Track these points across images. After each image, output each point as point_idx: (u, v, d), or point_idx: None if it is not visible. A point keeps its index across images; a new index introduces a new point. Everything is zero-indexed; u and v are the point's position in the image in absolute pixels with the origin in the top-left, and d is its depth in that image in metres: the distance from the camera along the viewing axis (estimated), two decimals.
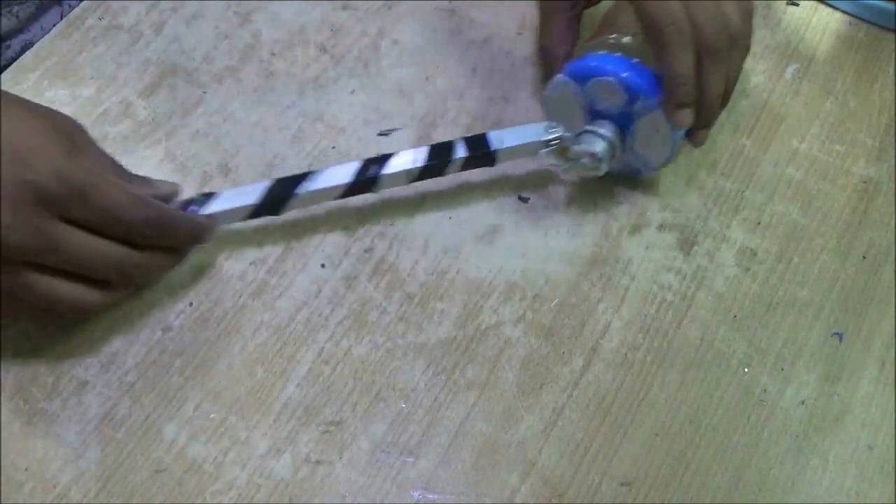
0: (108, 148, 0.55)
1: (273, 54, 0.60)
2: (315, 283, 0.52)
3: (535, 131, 0.52)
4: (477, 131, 0.57)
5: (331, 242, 0.53)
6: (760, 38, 0.64)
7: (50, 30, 0.59)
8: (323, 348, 0.50)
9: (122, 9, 0.61)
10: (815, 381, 0.51)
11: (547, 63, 0.56)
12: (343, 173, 0.50)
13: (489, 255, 0.53)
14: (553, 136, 0.52)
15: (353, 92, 0.59)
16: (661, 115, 0.49)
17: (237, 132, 0.57)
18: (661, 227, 0.55)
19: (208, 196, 0.49)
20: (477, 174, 0.56)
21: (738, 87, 0.61)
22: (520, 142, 0.52)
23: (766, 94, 0.61)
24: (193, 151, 0.56)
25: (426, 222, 0.54)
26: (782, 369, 0.51)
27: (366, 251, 0.53)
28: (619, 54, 0.49)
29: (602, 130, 0.50)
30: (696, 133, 0.52)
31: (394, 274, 0.52)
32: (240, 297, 0.51)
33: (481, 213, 0.55)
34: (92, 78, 0.58)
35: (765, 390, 0.50)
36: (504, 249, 0.54)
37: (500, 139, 0.52)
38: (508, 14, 0.63)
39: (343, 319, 0.51)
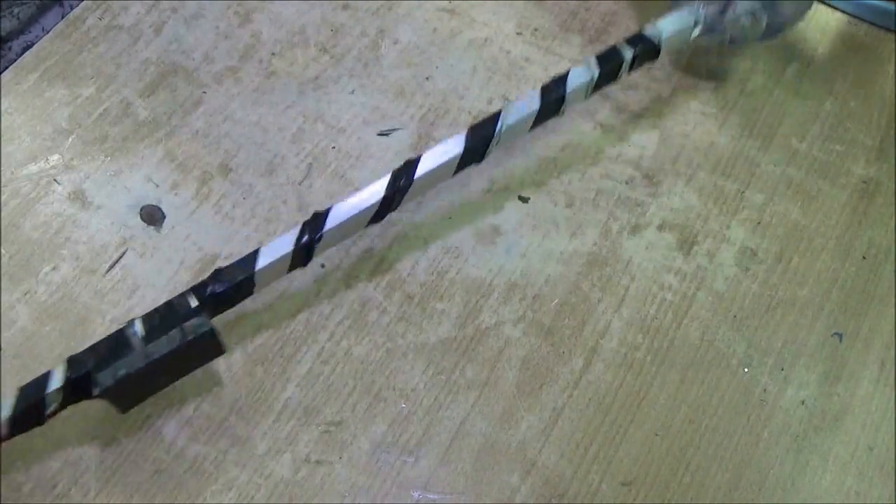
0: (108, 148, 0.56)
1: (273, 54, 0.60)
2: (315, 283, 0.52)
3: (683, 16, 0.52)
4: None
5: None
6: None
7: (51, 30, 0.60)
8: (323, 348, 0.50)
9: (122, 9, 0.61)
10: (815, 381, 0.51)
11: None
12: (532, 102, 0.49)
13: (489, 255, 0.53)
14: (701, 12, 0.52)
15: (353, 92, 0.59)
16: None
17: (237, 132, 0.57)
18: (661, 227, 0.55)
19: (412, 162, 0.47)
20: (476, 174, 0.56)
21: (738, 86, 0.61)
22: (676, 27, 0.52)
23: (766, 94, 0.61)
24: (193, 151, 0.56)
25: (426, 222, 0.54)
26: (782, 369, 0.51)
27: (366, 251, 0.53)
28: None
29: None
30: None
31: (394, 274, 0.52)
32: None
33: (481, 213, 0.55)
34: (92, 78, 0.58)
35: (765, 390, 0.50)
36: (504, 249, 0.54)
37: (658, 31, 0.51)
38: (508, 14, 0.63)
39: (343, 319, 0.51)
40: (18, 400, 0.41)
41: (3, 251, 0.51)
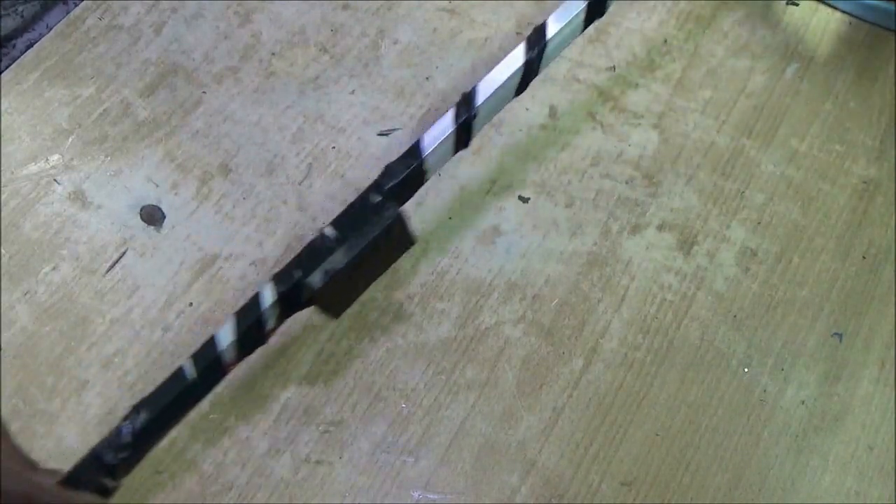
0: (108, 148, 0.56)
1: (273, 54, 0.60)
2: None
3: None
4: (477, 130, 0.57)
5: None
6: (760, 37, 0.64)
7: (51, 30, 0.60)
8: (323, 348, 0.50)
9: (122, 9, 0.61)
10: (815, 381, 0.51)
11: None
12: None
13: (489, 255, 0.53)
14: None
15: (353, 92, 0.59)
16: None
17: (237, 132, 0.57)
18: (661, 227, 0.55)
19: (542, 26, 0.47)
20: (476, 174, 0.56)
21: (738, 86, 0.61)
22: None
23: (766, 94, 0.61)
24: (193, 151, 0.56)
25: (426, 222, 0.54)
26: (782, 369, 0.51)
27: None
28: None
29: None
30: None
31: (394, 274, 0.52)
32: (240, 297, 0.51)
33: (481, 213, 0.55)
34: (92, 78, 0.58)
35: (765, 390, 0.50)
36: (504, 249, 0.54)
37: None
38: (508, 14, 0.63)
39: (343, 319, 0.51)
40: (238, 324, 0.41)
41: (3, 251, 0.51)
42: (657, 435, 0.48)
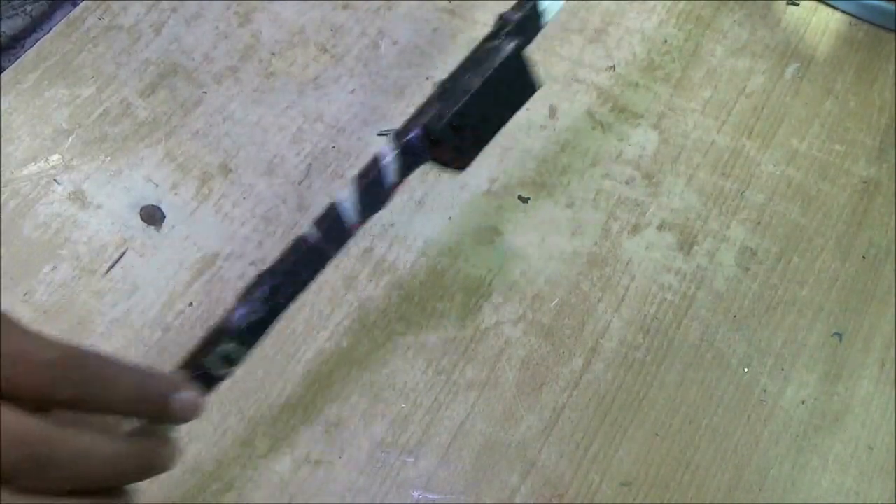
0: (108, 148, 0.56)
1: (273, 54, 0.60)
2: (315, 283, 0.52)
3: None
4: None
5: None
6: (760, 38, 0.64)
7: (51, 30, 0.60)
8: (323, 348, 0.50)
9: (122, 9, 0.61)
10: (815, 381, 0.51)
11: None
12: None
13: (489, 255, 0.53)
14: None
15: (353, 92, 0.59)
16: None
17: (237, 132, 0.57)
18: (661, 227, 0.55)
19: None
20: (476, 174, 0.56)
21: (738, 86, 0.61)
22: None
23: (766, 94, 0.61)
24: (193, 151, 0.56)
25: (426, 222, 0.54)
26: (782, 369, 0.51)
27: (366, 251, 0.53)
28: None
29: None
30: None
31: (394, 274, 0.52)
32: None
33: (481, 213, 0.55)
34: (92, 78, 0.58)
35: (765, 390, 0.50)
36: (504, 249, 0.54)
37: None
38: None
39: (343, 319, 0.51)
40: (359, 181, 0.39)
41: (3, 251, 0.51)
42: (657, 435, 0.48)
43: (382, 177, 0.40)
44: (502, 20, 0.43)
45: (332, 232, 0.39)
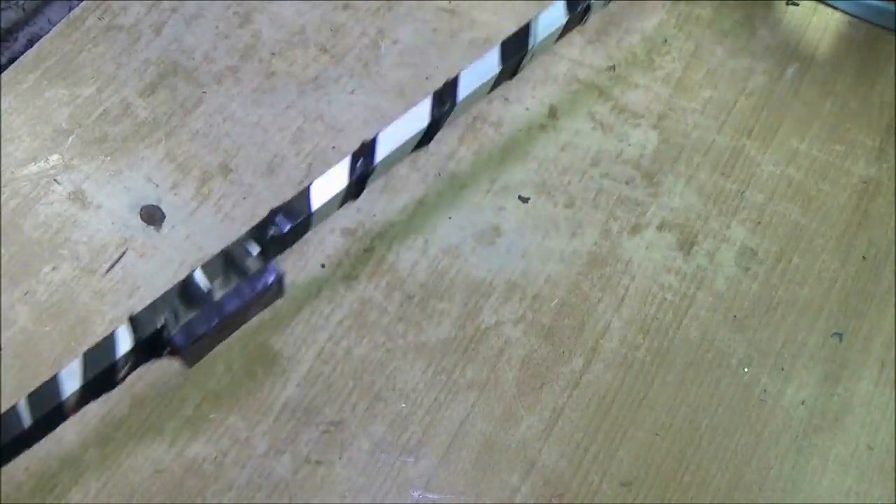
0: (108, 148, 0.56)
1: (273, 54, 0.60)
2: (315, 283, 0.52)
3: None
4: (477, 130, 0.57)
5: (331, 242, 0.53)
6: (760, 38, 0.64)
7: (57, 22, 0.59)
8: (323, 348, 0.50)
9: (122, 9, 0.61)
10: (815, 381, 0.51)
11: None
12: (556, 14, 0.48)
13: (489, 255, 0.53)
14: None
15: (352, 92, 0.59)
16: None
17: (237, 132, 0.57)
18: (661, 227, 0.55)
19: (454, 80, 0.46)
20: (476, 174, 0.56)
21: (738, 86, 0.61)
22: None
23: (766, 94, 0.61)
24: (193, 151, 0.56)
25: (426, 222, 0.54)
26: (782, 369, 0.51)
27: (366, 251, 0.53)
28: None
29: None
30: None
31: (394, 274, 0.52)
32: None
33: (481, 213, 0.55)
34: (92, 78, 0.58)
35: (765, 390, 0.50)
36: (504, 249, 0.54)
37: None
38: (508, 14, 0.63)
39: (343, 319, 0.51)
40: (87, 368, 0.38)
41: (3, 251, 0.51)
42: (657, 435, 0.48)
43: (114, 371, 0.39)
44: (272, 217, 0.42)
45: (44, 415, 0.37)
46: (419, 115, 0.45)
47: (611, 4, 0.56)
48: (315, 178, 0.43)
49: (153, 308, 0.39)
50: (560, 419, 0.48)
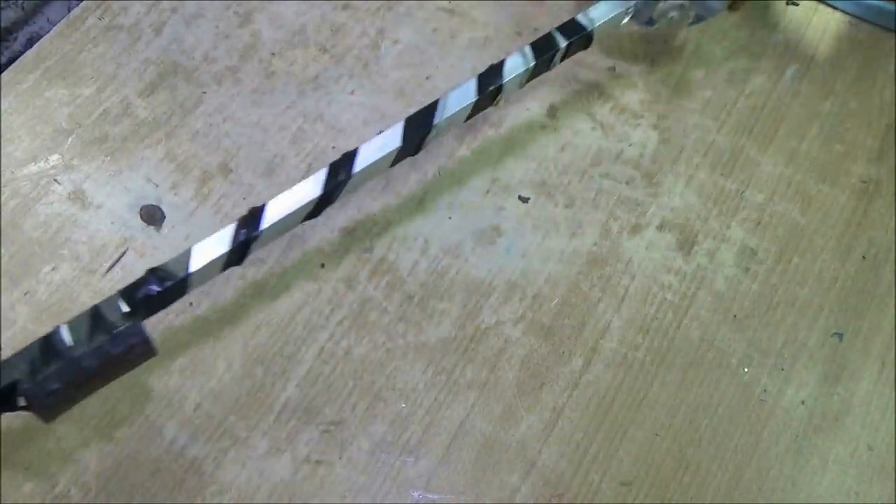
0: (108, 148, 0.56)
1: (273, 54, 0.60)
2: (315, 283, 0.52)
3: (616, 4, 0.53)
4: (477, 130, 0.57)
5: (331, 242, 0.53)
6: (760, 38, 0.64)
7: (56, 22, 0.60)
8: (323, 348, 0.50)
9: (122, 9, 0.61)
10: (815, 381, 0.51)
11: None
12: (467, 94, 0.49)
13: (489, 255, 0.53)
14: (633, 1, 0.53)
15: (352, 92, 0.59)
16: None
17: (237, 132, 0.57)
18: (661, 227, 0.55)
19: (351, 154, 0.47)
20: (476, 174, 0.56)
21: (738, 86, 0.61)
22: (607, 16, 0.53)
23: (766, 94, 0.61)
24: (193, 151, 0.56)
25: (426, 222, 0.54)
26: (782, 369, 0.51)
27: (366, 251, 0.53)
28: None
29: None
30: None
31: (394, 274, 0.52)
32: (240, 297, 0.51)
33: (481, 213, 0.55)
34: (92, 78, 0.58)
35: (765, 390, 0.50)
36: (504, 249, 0.54)
37: (590, 19, 0.52)
38: (508, 14, 0.63)
39: (343, 319, 0.51)
40: None
41: (3, 251, 0.51)
42: (657, 435, 0.48)
43: None
44: (149, 276, 0.42)
45: None
46: (312, 187, 0.45)
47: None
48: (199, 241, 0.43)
49: (10, 361, 0.39)
50: (560, 419, 0.48)
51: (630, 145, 0.58)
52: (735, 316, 0.52)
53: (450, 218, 0.55)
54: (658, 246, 0.54)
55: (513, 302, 0.52)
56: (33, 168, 0.54)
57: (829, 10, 0.65)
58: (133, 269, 0.51)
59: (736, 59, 0.62)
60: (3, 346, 0.48)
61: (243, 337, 0.49)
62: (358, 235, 0.53)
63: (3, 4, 0.59)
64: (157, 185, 0.54)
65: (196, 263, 0.43)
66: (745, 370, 0.51)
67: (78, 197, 0.54)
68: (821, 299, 0.53)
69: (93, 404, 0.47)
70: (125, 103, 0.57)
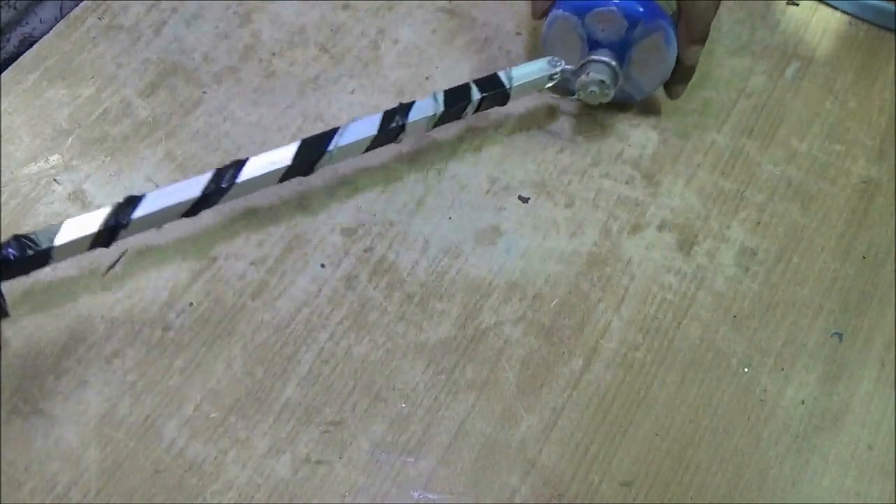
0: (108, 148, 0.56)
1: (273, 54, 0.60)
2: (315, 283, 0.52)
3: (540, 66, 0.54)
4: (477, 131, 0.57)
5: (331, 242, 0.53)
6: (760, 38, 0.64)
7: (49, 22, 0.60)
8: (323, 348, 0.50)
9: (122, 9, 0.61)
10: (815, 381, 0.51)
11: (542, 6, 0.56)
12: (369, 126, 0.50)
13: (489, 255, 0.53)
14: (557, 69, 0.54)
15: (352, 92, 0.59)
16: (659, 37, 0.52)
17: (237, 132, 0.57)
18: (661, 227, 0.55)
19: (239, 163, 0.48)
20: (476, 174, 0.56)
21: (738, 86, 0.61)
22: (528, 78, 0.53)
23: (766, 94, 0.61)
24: (193, 151, 0.56)
25: (426, 222, 0.54)
26: (782, 369, 0.51)
27: (366, 251, 0.53)
28: None
29: (605, 58, 0.53)
30: (675, 86, 0.56)
31: (394, 274, 0.52)
32: (240, 297, 0.51)
33: (481, 213, 0.55)
34: (92, 78, 0.58)
35: (765, 390, 0.50)
36: (504, 249, 0.54)
37: (509, 77, 0.53)
38: (508, 14, 0.63)
39: (343, 319, 0.51)
40: None
41: None
42: (657, 435, 0.48)
43: None
44: (14, 240, 0.43)
45: None
46: (193, 187, 0.47)
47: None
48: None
49: None
50: (560, 419, 0.48)
51: (630, 145, 0.58)
52: (735, 316, 0.52)
53: (450, 218, 0.55)
54: (658, 246, 0.54)
55: (513, 302, 0.52)
56: (33, 168, 0.54)
57: (829, 10, 0.66)
58: (133, 269, 0.51)
59: (736, 59, 0.62)
60: (3, 346, 0.48)
61: (243, 337, 0.50)
62: (358, 235, 0.53)
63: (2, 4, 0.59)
64: (157, 185, 0.54)
65: (63, 238, 0.44)
66: (745, 370, 0.51)
67: (78, 197, 0.54)
68: (821, 299, 0.53)
69: (93, 404, 0.47)
70: (125, 103, 0.57)
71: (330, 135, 0.49)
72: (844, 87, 0.62)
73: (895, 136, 0.60)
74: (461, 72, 0.60)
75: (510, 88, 0.53)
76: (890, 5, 0.64)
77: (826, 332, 0.52)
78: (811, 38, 0.64)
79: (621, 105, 0.59)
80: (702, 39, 0.53)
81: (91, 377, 0.48)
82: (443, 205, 0.55)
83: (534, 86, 0.54)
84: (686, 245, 0.55)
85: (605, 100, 0.54)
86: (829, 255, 0.55)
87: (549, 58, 0.54)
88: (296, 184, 0.55)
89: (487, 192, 0.56)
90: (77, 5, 0.61)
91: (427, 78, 0.60)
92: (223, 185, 0.47)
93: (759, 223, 0.56)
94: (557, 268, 0.53)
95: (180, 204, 0.47)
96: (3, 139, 0.55)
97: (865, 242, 0.56)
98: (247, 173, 0.48)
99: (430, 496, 0.46)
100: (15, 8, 0.60)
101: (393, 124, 0.50)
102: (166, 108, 0.57)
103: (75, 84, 0.58)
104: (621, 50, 0.53)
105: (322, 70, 0.60)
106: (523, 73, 0.53)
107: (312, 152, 0.49)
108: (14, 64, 0.58)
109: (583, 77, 0.53)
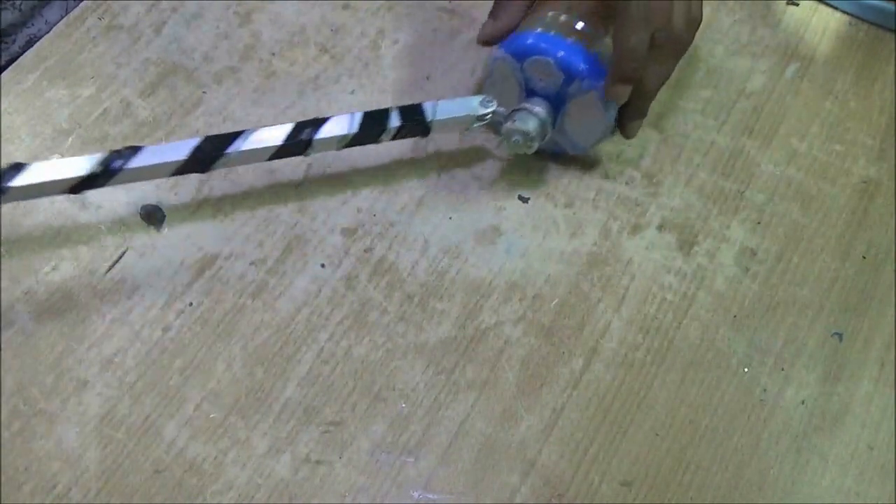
0: (109, 148, 0.56)
1: (273, 54, 0.60)
2: (315, 283, 0.52)
3: (469, 104, 0.51)
4: (477, 130, 0.57)
5: (331, 242, 0.53)
6: (760, 38, 0.64)
7: (54, 23, 0.60)
8: (323, 348, 0.50)
9: (122, 9, 0.61)
10: (815, 381, 0.51)
11: (490, 34, 0.54)
12: (275, 135, 0.48)
13: (489, 255, 0.53)
14: (487, 110, 0.51)
15: (353, 92, 0.59)
16: (595, 97, 0.50)
17: None
18: (661, 227, 0.55)
19: (135, 149, 0.46)
20: (476, 174, 0.56)
21: (738, 86, 0.61)
22: (453, 114, 0.51)
23: (766, 94, 0.61)
24: None
25: (426, 222, 0.54)
26: (782, 369, 0.51)
27: (366, 251, 0.53)
28: (554, 32, 0.49)
29: (536, 109, 0.51)
30: (629, 123, 0.53)
31: (394, 274, 0.52)
32: (240, 297, 0.51)
33: (481, 213, 0.55)
34: (92, 78, 0.58)
35: (765, 390, 0.50)
36: (504, 249, 0.54)
37: (434, 110, 0.51)
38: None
39: (343, 319, 0.51)
40: None
41: (3, 251, 0.51)
42: (657, 435, 0.48)
43: None
44: None
45: None
46: (82, 165, 0.45)
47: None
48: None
49: None
50: (560, 419, 0.48)
51: (630, 145, 0.58)
52: (735, 316, 0.52)
53: (450, 218, 0.55)
54: (658, 246, 0.54)
55: (513, 302, 0.52)
56: None
57: (829, 10, 0.66)
58: (133, 269, 0.51)
59: (736, 58, 0.62)
60: (3, 346, 0.48)
61: (243, 337, 0.50)
62: (358, 235, 0.53)
63: (0, 6, 0.60)
64: (157, 185, 0.54)
65: None
66: (745, 370, 0.51)
67: (78, 197, 0.54)
68: (821, 299, 0.53)
69: (93, 404, 0.47)
70: (125, 103, 0.57)
71: (232, 137, 0.48)
72: (844, 87, 0.62)
73: (895, 136, 0.60)
74: (461, 72, 0.60)
75: (431, 122, 0.50)
76: (890, 5, 0.64)
77: (826, 333, 0.52)
78: (811, 38, 0.64)
79: (554, 155, 0.56)
80: (629, 79, 0.48)
81: (91, 377, 0.48)
82: (443, 205, 0.55)
83: (458, 123, 0.52)
84: (686, 245, 0.55)
85: (529, 151, 0.51)
86: (829, 255, 0.55)
87: (482, 97, 0.52)
88: (296, 184, 0.55)
89: (487, 192, 0.56)
90: (77, 5, 0.61)
91: (427, 78, 0.60)
92: (113, 167, 0.46)
93: (759, 223, 0.56)
94: (557, 268, 0.53)
95: (66, 180, 0.45)
96: (3, 139, 0.55)
97: (865, 242, 0.56)
98: (138, 161, 0.46)
99: (430, 496, 0.46)
100: (20, 10, 0.60)
101: (302, 136, 0.48)
102: (166, 108, 0.57)
103: (75, 84, 0.58)
104: (557, 103, 0.51)
105: (322, 70, 0.60)
106: (450, 108, 0.51)
107: (211, 151, 0.47)
108: (14, 64, 0.58)
109: (508, 124, 0.51)
